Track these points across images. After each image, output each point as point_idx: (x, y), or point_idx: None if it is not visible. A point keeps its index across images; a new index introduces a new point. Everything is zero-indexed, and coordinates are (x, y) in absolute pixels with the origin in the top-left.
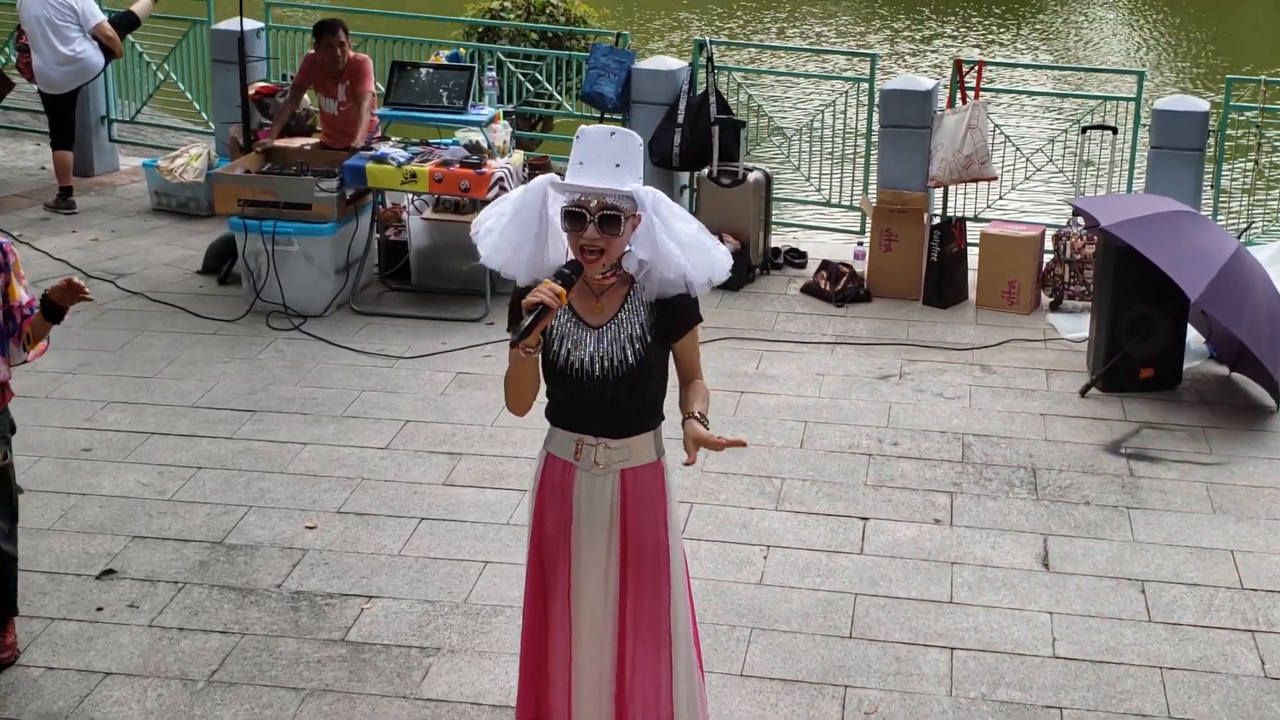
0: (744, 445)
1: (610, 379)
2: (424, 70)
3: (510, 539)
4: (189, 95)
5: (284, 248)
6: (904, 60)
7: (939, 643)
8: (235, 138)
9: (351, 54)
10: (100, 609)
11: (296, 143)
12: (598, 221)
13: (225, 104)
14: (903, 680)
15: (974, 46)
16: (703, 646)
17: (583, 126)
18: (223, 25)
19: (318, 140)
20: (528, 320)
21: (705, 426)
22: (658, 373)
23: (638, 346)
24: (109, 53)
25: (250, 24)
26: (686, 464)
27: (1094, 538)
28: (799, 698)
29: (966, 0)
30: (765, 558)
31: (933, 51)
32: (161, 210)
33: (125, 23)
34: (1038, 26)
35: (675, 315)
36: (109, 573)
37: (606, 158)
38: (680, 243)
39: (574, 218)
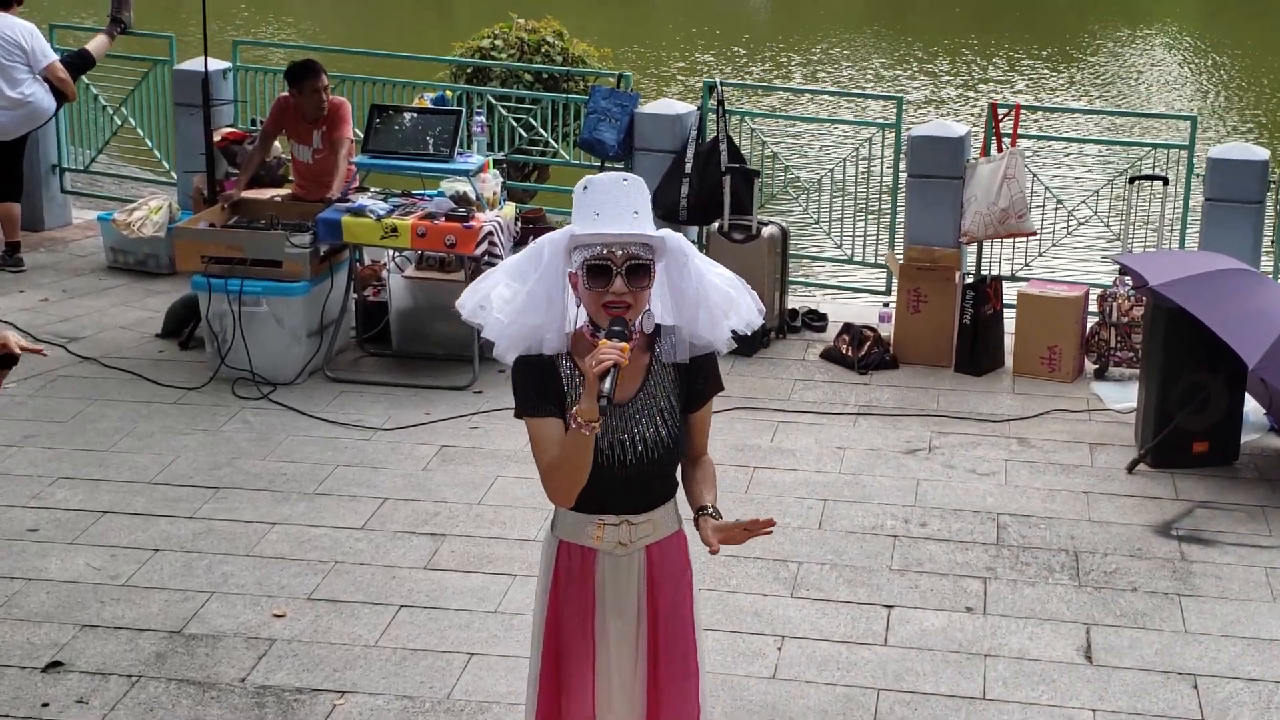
0: (773, 525)
1: (646, 461)
2: (406, 115)
3: (498, 628)
4: (149, 142)
5: (251, 309)
6: (943, 105)
7: None
8: (199, 188)
9: (329, 98)
10: (46, 705)
11: (266, 194)
12: (625, 273)
13: (189, 151)
14: None
15: (1017, 91)
16: None
17: (588, 176)
18: (186, 65)
19: (289, 191)
20: (607, 386)
21: (719, 519)
22: (684, 440)
23: (670, 422)
24: (61, 95)
25: (216, 64)
26: (712, 552)
27: (1142, 628)
28: None
29: (1011, 43)
30: (779, 649)
31: (975, 96)
32: (118, 268)
33: (79, 63)
34: (1090, 70)
35: (698, 381)
36: (56, 665)
37: (624, 205)
38: (727, 284)
39: (599, 272)
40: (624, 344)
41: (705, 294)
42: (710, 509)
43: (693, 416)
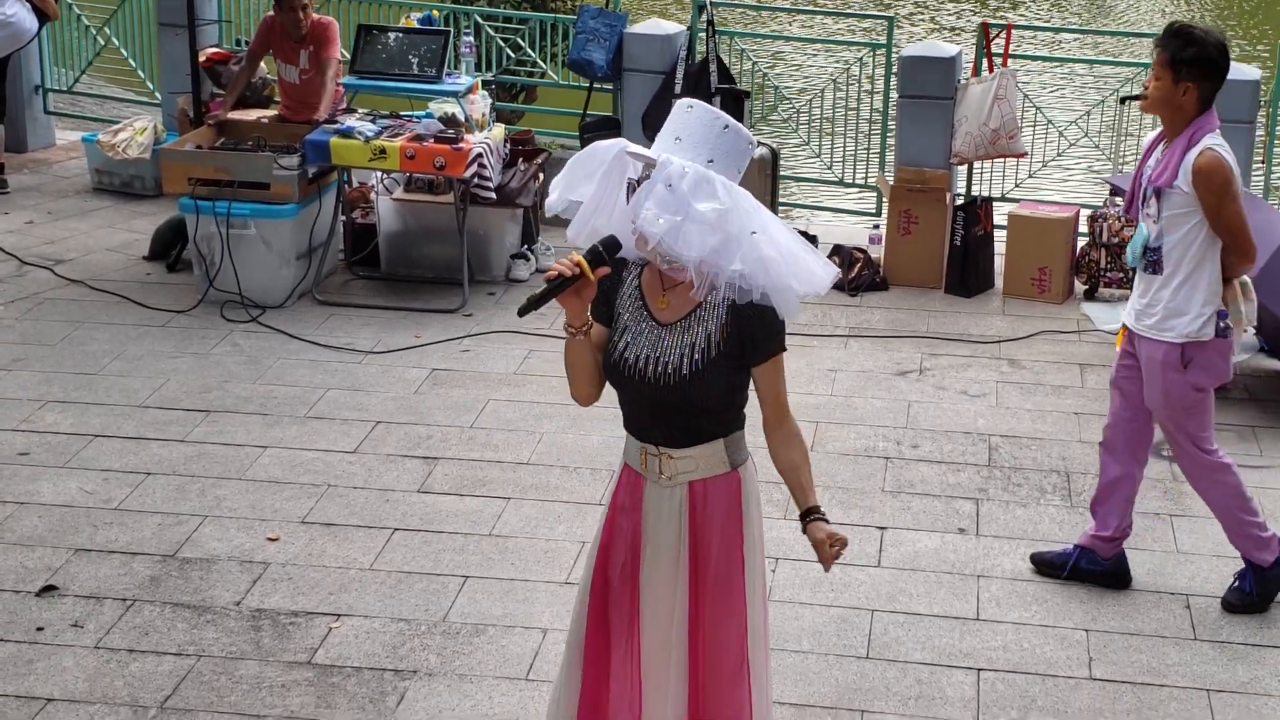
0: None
1: (660, 384)
2: (393, 35)
3: (493, 551)
4: (133, 63)
5: (240, 231)
6: (965, 32)
7: (964, 663)
8: (184, 110)
9: (315, 17)
10: (41, 629)
11: (252, 115)
12: None
13: (173, 72)
14: (925, 704)
15: (1011, 9)
16: None
17: (691, 100)
18: None
19: (276, 112)
20: (540, 291)
21: (827, 521)
22: (723, 386)
23: (698, 358)
24: (43, 16)
25: None
26: (826, 568)
27: (1133, 548)
28: None
29: None
30: (774, 571)
31: (976, 13)
32: (103, 190)
33: None
34: None
35: (752, 335)
36: (50, 589)
37: (706, 148)
38: (795, 245)
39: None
40: (584, 262)
41: (756, 248)
42: (818, 512)
43: (755, 372)
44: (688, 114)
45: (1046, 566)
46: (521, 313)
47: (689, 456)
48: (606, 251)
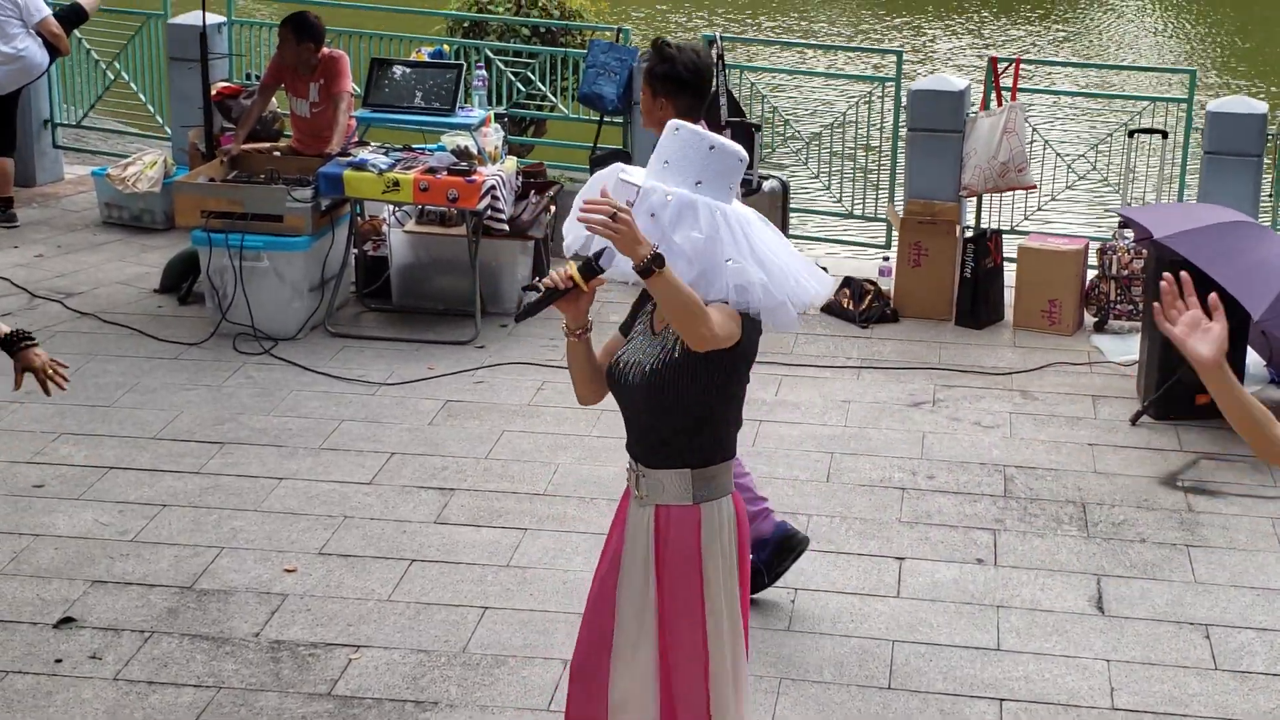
0: None
1: (632, 386)
2: (408, 69)
3: (511, 582)
4: (143, 97)
5: (252, 264)
6: (962, 62)
7: (986, 693)
8: (195, 143)
9: (325, 51)
10: (59, 661)
11: (263, 148)
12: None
13: (184, 106)
14: None
15: (1018, 43)
16: None
17: (678, 121)
18: (181, 20)
19: (287, 145)
20: (531, 299)
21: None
22: (688, 394)
23: (664, 357)
24: (54, 50)
25: (212, 18)
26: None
27: (1152, 578)
28: None
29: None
30: (793, 601)
31: (985, 45)
32: (112, 223)
33: (72, 17)
34: (1089, 24)
35: None
36: (67, 621)
37: (694, 170)
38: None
39: None
40: (575, 274)
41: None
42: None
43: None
44: (674, 136)
45: None
46: (518, 319)
47: (657, 478)
48: (599, 262)
